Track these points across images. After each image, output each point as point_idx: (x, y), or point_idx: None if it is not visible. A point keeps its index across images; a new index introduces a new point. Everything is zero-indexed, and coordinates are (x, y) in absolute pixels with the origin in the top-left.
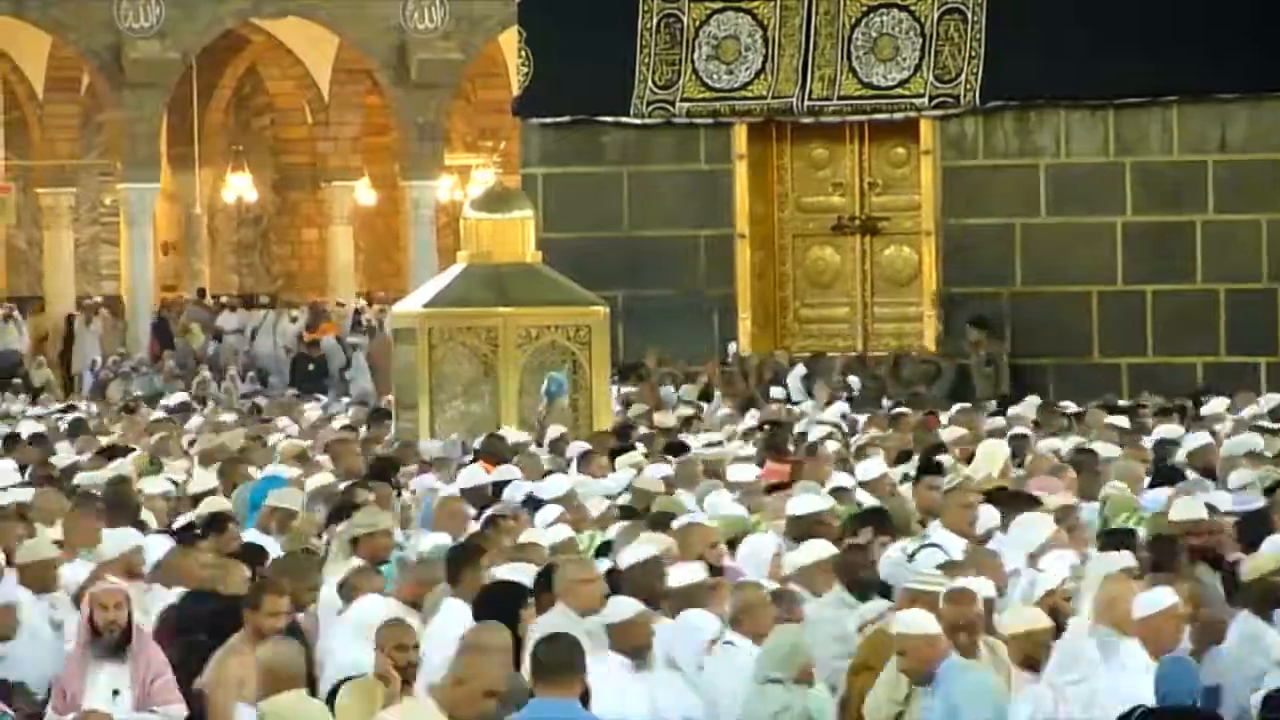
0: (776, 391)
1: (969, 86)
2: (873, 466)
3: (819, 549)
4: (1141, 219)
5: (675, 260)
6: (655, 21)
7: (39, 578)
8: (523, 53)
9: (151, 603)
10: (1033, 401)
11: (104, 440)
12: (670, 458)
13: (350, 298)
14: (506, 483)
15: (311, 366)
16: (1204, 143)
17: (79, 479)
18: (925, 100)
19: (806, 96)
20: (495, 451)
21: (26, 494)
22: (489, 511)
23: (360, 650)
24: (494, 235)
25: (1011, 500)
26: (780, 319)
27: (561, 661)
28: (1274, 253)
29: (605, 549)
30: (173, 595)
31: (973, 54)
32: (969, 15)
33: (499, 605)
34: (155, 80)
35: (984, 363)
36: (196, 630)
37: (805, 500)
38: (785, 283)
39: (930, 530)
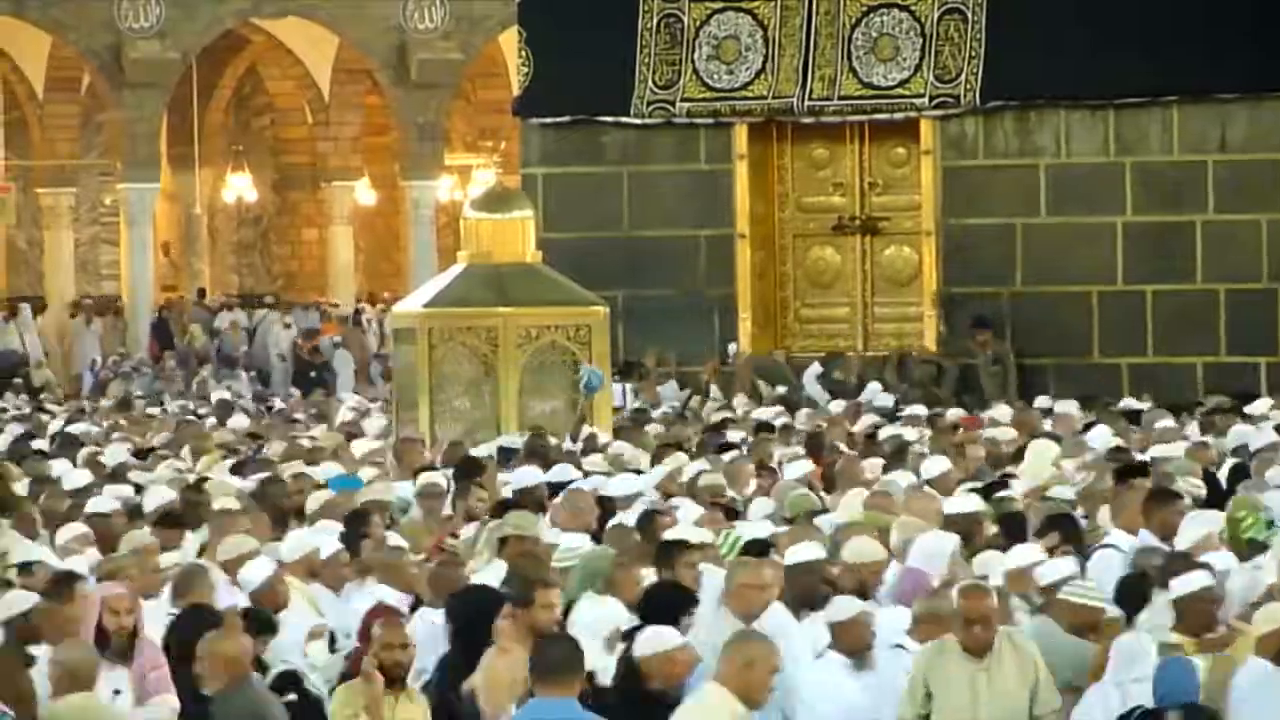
0: (771, 391)
1: (969, 86)
2: (935, 465)
3: (1030, 552)
4: (1141, 219)
5: (675, 260)
6: (655, 21)
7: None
8: (523, 53)
9: (360, 603)
10: (1070, 404)
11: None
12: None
13: (340, 299)
14: (567, 483)
15: (313, 373)
16: (1204, 143)
17: (133, 477)
18: (925, 100)
19: (807, 96)
20: (541, 452)
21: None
22: (644, 508)
23: (594, 652)
24: (494, 235)
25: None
26: (780, 319)
27: (561, 661)
28: (1274, 253)
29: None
30: (384, 595)
31: (973, 54)
32: (969, 15)
33: (664, 607)
34: (155, 80)
35: (991, 362)
36: (473, 627)
37: (961, 500)
38: (785, 283)
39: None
